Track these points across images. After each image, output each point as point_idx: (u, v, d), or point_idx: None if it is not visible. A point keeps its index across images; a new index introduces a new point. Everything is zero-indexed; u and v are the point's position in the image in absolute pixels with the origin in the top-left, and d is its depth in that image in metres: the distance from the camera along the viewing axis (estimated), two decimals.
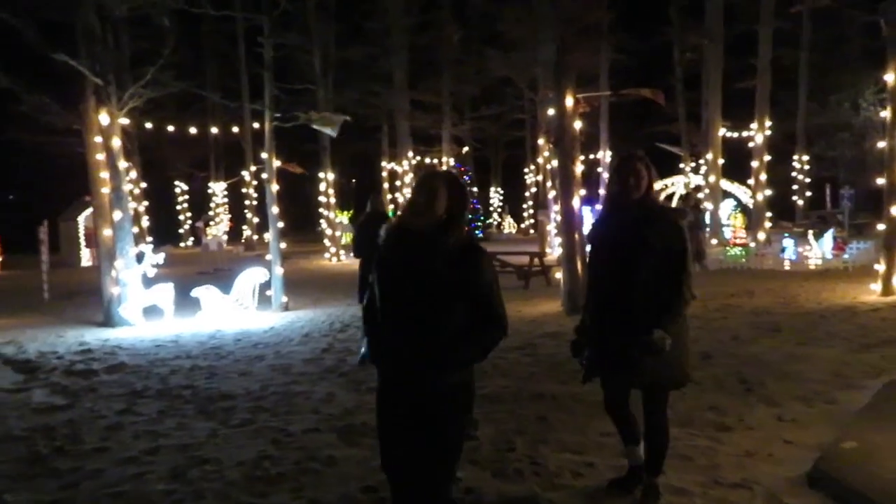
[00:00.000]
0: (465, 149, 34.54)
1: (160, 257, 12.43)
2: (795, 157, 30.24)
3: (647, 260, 3.68)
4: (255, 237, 30.94)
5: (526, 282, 14.69)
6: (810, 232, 18.32)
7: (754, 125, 23.08)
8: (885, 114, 12.09)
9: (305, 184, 30.87)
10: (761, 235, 22.01)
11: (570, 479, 4.37)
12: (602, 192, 26.22)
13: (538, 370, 7.23)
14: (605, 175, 26.80)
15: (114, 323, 11.23)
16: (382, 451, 3.02)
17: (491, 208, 40.81)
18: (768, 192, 23.03)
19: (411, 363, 2.85)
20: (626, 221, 3.79)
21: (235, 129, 28.60)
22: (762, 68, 22.76)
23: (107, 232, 11.50)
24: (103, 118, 11.19)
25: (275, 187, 13.33)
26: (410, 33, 25.91)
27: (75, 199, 24.87)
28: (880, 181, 11.95)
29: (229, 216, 33.75)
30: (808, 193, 30.94)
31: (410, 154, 26.74)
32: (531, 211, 36.86)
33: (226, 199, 33.54)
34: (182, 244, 33.85)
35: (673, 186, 28.93)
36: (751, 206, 24.04)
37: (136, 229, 16.01)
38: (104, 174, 11.49)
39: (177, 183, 34.57)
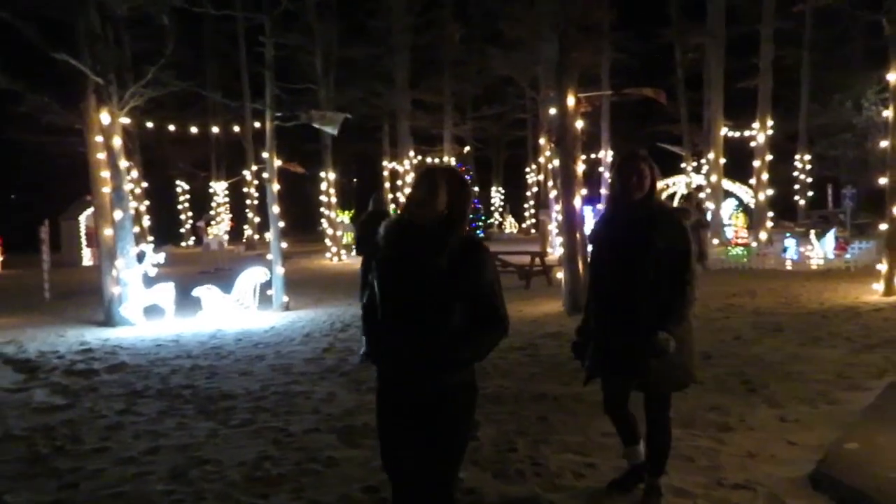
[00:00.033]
0: (467, 148, 34.52)
1: (161, 257, 12.42)
2: (797, 156, 30.21)
3: (650, 260, 3.65)
4: (256, 237, 30.95)
5: (527, 282, 14.67)
6: (812, 232, 18.29)
7: (756, 125, 23.05)
8: (888, 113, 12.07)
9: (306, 183, 30.89)
10: (763, 235, 21.98)
11: (571, 480, 4.35)
12: (604, 191, 26.22)
13: (539, 370, 7.21)
14: (607, 175, 26.75)
15: (114, 322, 11.22)
16: (383, 452, 3.00)
17: (492, 208, 40.82)
18: (770, 192, 22.99)
19: (411, 363, 2.81)
20: (629, 221, 3.76)
21: (236, 129, 28.61)
22: (764, 68, 22.73)
23: (108, 231, 11.50)
24: (104, 117, 11.18)
25: (276, 187, 13.32)
26: (412, 33, 25.88)
27: (76, 198, 24.87)
28: (882, 181, 11.94)
29: (230, 216, 33.76)
30: (810, 193, 30.92)
31: (412, 154, 26.74)
32: (532, 210, 36.86)
33: (227, 199, 33.55)
34: (183, 244, 33.88)
35: (674, 186, 28.90)
36: (752, 206, 24.01)
37: (136, 229, 16.04)
38: (105, 173, 11.49)
39: (178, 182, 34.60)
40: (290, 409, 6.19)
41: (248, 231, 31.68)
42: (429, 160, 30.44)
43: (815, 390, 6.07)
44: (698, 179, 27.60)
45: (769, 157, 22.88)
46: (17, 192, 39.57)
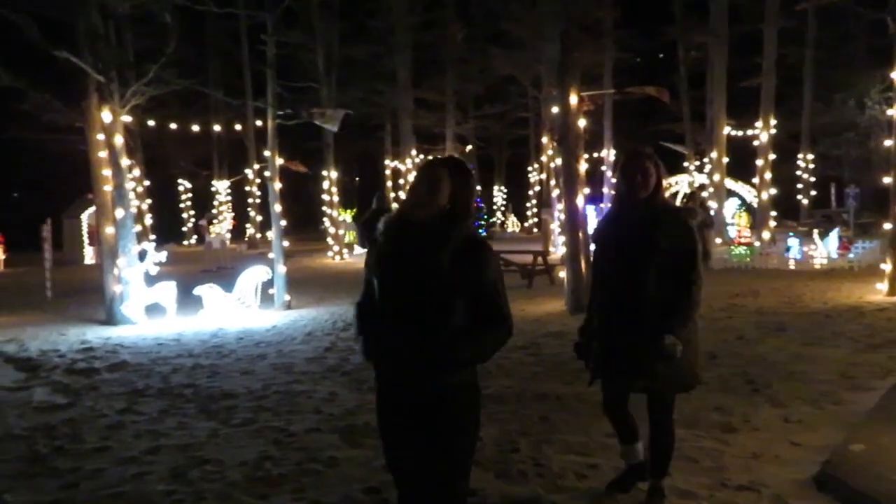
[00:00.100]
0: (469, 147, 34.47)
1: (162, 255, 12.41)
2: (800, 155, 30.12)
3: (655, 259, 3.61)
4: (258, 235, 30.90)
5: (529, 281, 14.65)
6: (815, 231, 18.23)
7: (759, 124, 22.97)
8: (891, 112, 12.03)
9: (308, 182, 30.87)
10: (766, 234, 21.91)
11: (573, 481, 4.32)
12: (606, 190, 26.18)
13: (542, 370, 7.19)
14: (609, 173, 26.72)
15: (116, 321, 11.21)
16: (385, 452, 2.97)
17: (494, 207, 40.77)
18: (773, 191, 22.91)
19: (411, 363, 2.75)
20: (634, 220, 3.72)
21: (238, 127, 28.58)
22: (767, 67, 22.64)
23: (109, 230, 11.48)
24: (106, 116, 11.16)
25: (278, 185, 13.31)
26: (414, 32, 25.85)
27: (78, 196, 24.84)
28: (886, 180, 11.90)
29: (232, 214, 33.71)
30: (813, 192, 30.81)
31: (414, 152, 26.70)
32: (535, 209, 36.81)
33: (229, 197, 33.50)
34: (185, 242, 33.85)
35: (677, 185, 28.84)
36: (755, 205, 23.94)
37: (138, 227, 16.03)
38: (107, 172, 11.47)
39: (180, 181, 34.56)
40: (292, 408, 6.17)
41: (249, 230, 31.64)
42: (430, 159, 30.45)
43: (818, 390, 6.03)
44: (701, 178, 27.55)
45: (772, 156, 22.81)
46: (18, 190, 39.62)
